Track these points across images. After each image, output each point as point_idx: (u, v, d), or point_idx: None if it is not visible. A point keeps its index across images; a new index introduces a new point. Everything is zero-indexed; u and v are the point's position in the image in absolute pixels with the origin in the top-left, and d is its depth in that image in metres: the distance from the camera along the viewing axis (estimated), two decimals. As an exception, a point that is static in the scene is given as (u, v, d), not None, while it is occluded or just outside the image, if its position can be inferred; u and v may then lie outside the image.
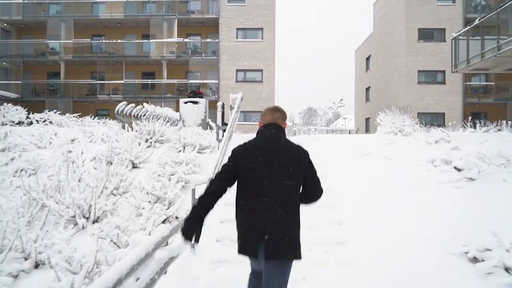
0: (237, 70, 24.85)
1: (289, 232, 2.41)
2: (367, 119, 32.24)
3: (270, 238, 2.35)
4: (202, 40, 25.45)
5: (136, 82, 25.62)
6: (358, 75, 35.40)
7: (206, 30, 26.63)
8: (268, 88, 24.46)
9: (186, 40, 25.24)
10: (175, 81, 25.12)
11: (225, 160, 2.69)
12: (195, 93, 9.14)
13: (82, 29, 26.96)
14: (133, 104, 11.00)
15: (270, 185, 2.40)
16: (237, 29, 24.86)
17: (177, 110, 26.85)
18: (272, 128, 2.60)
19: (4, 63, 26.46)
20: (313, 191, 2.57)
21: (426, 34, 23.81)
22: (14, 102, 25.77)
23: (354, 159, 7.39)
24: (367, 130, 31.95)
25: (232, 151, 2.60)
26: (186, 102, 8.98)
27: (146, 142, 7.24)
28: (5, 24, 26.55)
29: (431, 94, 23.63)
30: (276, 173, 2.42)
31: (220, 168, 2.60)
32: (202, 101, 8.62)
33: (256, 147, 2.54)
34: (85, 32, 26.97)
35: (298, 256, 2.46)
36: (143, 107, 10.21)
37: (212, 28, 26.16)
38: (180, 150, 6.70)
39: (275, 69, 24.82)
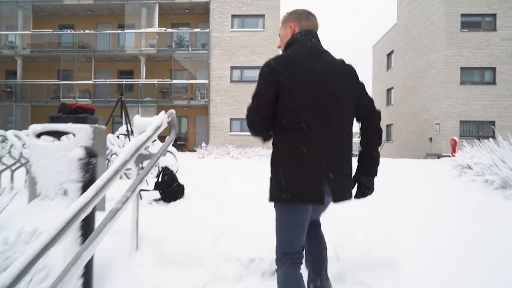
0: (232, 68, 19.99)
1: (350, 167, 1.85)
2: (389, 126, 27.29)
3: (336, 176, 1.73)
4: (190, 30, 20.60)
5: (108, 82, 20.85)
6: (376, 75, 30.45)
7: (195, 18, 21.82)
8: (271, 89, 19.52)
9: (169, 30, 20.42)
10: (155, 81, 20.32)
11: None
12: (69, 109, 3.43)
13: (46, 18, 22.33)
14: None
15: (325, 110, 1.70)
16: (233, 16, 20.01)
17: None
18: (312, 36, 1.81)
19: (-48, 60, 21.87)
20: (371, 112, 1.87)
21: (472, 22, 18.81)
22: (-40, 106, 21.23)
23: None
24: (388, 139, 27.02)
25: (265, 66, 1.71)
26: (39, 135, 3.04)
27: None
28: (-47, 12, 21.96)
29: (478, 97, 18.62)
30: (330, 92, 1.71)
31: (255, 92, 1.74)
32: (84, 131, 3.08)
33: (301, 60, 1.71)
34: (51, 22, 22.33)
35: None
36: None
37: (202, 16, 21.36)
38: None
39: (279, 66, 19.90)
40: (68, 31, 21.28)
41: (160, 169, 4.32)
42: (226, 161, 14.19)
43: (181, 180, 6.43)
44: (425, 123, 20.78)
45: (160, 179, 4.25)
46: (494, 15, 18.60)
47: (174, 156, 7.87)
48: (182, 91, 20.79)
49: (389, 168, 9.14)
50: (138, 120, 2.45)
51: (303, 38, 1.79)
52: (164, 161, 7.92)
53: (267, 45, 19.71)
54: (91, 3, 20.57)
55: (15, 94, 20.87)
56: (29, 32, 20.79)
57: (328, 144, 1.72)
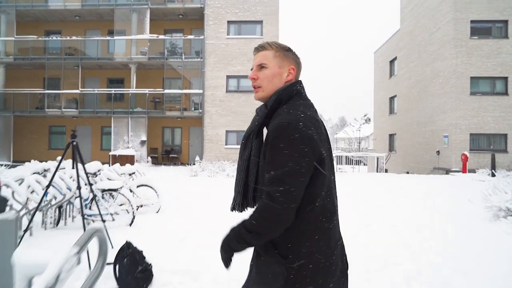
0: (228, 77, 18.85)
1: None
2: (392, 136, 26.23)
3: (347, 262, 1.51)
4: (183, 37, 19.44)
5: (96, 91, 19.65)
6: (378, 82, 29.40)
7: (189, 24, 20.68)
8: (269, 100, 18.43)
9: (161, 36, 19.24)
10: (146, 90, 19.13)
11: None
12: None
13: (32, 24, 21.14)
14: None
15: (335, 186, 1.48)
16: (229, 22, 18.88)
17: (149, 130, 21.00)
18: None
19: None
20: None
21: (482, 29, 17.80)
22: None
23: None
24: (391, 149, 25.93)
25: (296, 132, 1.25)
26: None
27: None
28: None
29: (489, 109, 17.58)
30: (332, 164, 1.46)
31: (291, 170, 1.23)
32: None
33: (320, 124, 1.39)
34: (37, 28, 21.14)
35: None
36: None
37: (196, 22, 20.23)
38: None
39: (278, 75, 18.75)
40: (54, 37, 20.08)
41: (120, 247, 3.13)
42: (220, 181, 13.03)
43: (158, 229, 5.24)
44: (432, 135, 19.70)
45: (118, 260, 3.06)
46: (505, 22, 17.57)
47: (156, 192, 6.70)
48: (175, 101, 19.61)
49: (400, 194, 7.79)
50: (19, 261, 1.28)
51: (304, 93, 1.44)
52: (144, 199, 6.75)
53: (265, 52, 18.56)
54: (78, 8, 19.39)
55: (-3, 104, 19.66)
56: (13, 38, 19.57)
57: (338, 224, 1.44)
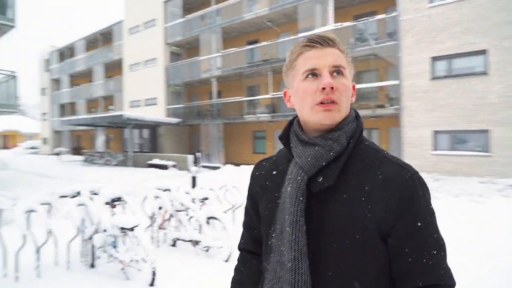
0: (434, 58, 14.05)
1: None
2: None
3: None
4: (370, 19, 15.93)
5: (281, 95, 19.10)
6: None
7: (382, 3, 16.91)
8: (501, 84, 12.56)
9: (345, 24, 16.45)
10: (331, 89, 16.93)
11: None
12: None
13: (237, 37, 23.03)
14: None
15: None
16: (432, -15, 14.03)
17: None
18: None
19: (175, 87, 25.82)
20: None
21: None
22: (176, 126, 24.68)
23: None
24: None
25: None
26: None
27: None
28: (173, 47, 25.81)
29: None
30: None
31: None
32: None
33: None
34: (240, 41, 22.84)
35: None
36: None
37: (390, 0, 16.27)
38: None
39: (518, 44, 12.49)
40: (249, 47, 20.90)
41: None
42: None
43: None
44: None
45: None
46: None
47: (225, 229, 4.68)
48: (371, 97, 16.50)
49: None
50: None
51: None
52: (212, 239, 4.83)
53: (488, 17, 12.71)
54: (267, 13, 19.32)
55: (212, 113, 22.36)
56: (220, 54, 21.71)
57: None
